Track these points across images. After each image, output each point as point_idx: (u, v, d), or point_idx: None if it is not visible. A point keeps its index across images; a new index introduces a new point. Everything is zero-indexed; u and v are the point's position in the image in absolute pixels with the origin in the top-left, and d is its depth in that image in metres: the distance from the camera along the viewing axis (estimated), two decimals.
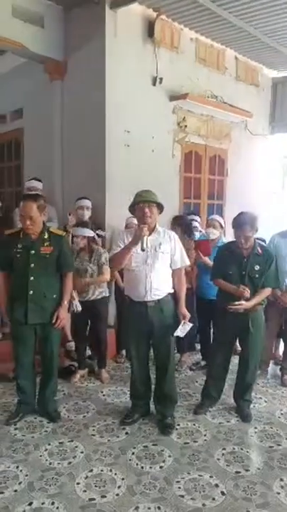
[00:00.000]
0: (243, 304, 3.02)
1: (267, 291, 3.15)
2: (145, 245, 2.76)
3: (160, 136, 4.97)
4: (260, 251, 3.11)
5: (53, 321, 3.01)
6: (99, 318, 3.82)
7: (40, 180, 4.47)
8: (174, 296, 3.06)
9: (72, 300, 3.55)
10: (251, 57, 5.90)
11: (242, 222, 3.04)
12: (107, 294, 3.91)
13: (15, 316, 3.00)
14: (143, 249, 2.78)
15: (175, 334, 2.99)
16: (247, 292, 3.02)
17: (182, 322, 3.00)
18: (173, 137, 5.15)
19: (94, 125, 4.47)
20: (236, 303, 3.03)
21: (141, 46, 4.66)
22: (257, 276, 3.08)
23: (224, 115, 5.63)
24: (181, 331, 3.00)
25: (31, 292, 2.92)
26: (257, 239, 4.25)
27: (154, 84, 4.80)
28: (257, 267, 3.08)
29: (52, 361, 3.14)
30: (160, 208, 2.94)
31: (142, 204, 2.87)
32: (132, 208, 2.97)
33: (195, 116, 5.36)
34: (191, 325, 3.04)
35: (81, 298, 3.70)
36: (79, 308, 3.65)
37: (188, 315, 3.03)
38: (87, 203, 4.27)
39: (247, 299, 3.04)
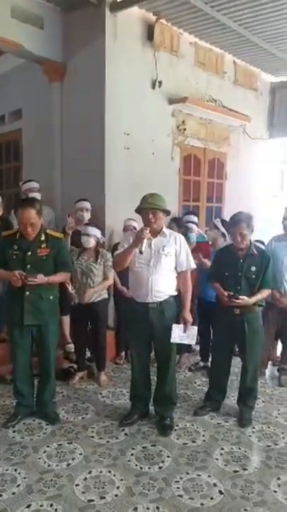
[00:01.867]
0: (244, 299, 3.03)
1: (266, 292, 3.15)
2: (143, 248, 2.78)
3: (160, 139, 4.99)
4: (256, 252, 3.13)
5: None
6: (99, 321, 3.82)
7: (36, 182, 4.45)
8: (180, 299, 3.06)
9: (72, 291, 3.60)
10: (249, 61, 5.95)
11: (238, 220, 3.08)
12: (107, 296, 3.92)
13: (11, 318, 3.00)
14: (140, 252, 2.80)
15: (173, 341, 2.93)
16: (236, 302, 3.04)
17: (180, 326, 2.95)
18: (173, 140, 5.18)
19: (94, 127, 4.49)
20: (238, 299, 3.03)
21: (141, 49, 4.69)
22: (254, 277, 3.10)
23: (223, 119, 5.67)
24: (181, 336, 2.94)
25: (27, 293, 2.92)
26: (256, 241, 4.29)
27: (153, 87, 4.83)
28: (253, 268, 3.10)
29: (49, 363, 3.13)
30: (166, 212, 2.96)
31: (146, 210, 2.89)
32: (139, 212, 2.99)
33: (194, 120, 5.39)
34: (195, 328, 3.01)
35: (81, 300, 3.70)
36: (77, 301, 3.67)
37: (190, 320, 2.99)
38: (87, 204, 4.29)
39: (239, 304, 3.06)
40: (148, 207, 2.89)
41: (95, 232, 3.76)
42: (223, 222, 4.06)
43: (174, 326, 2.94)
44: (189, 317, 2.99)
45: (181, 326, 2.96)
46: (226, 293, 3.08)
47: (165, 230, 3.00)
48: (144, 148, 4.78)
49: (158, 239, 2.95)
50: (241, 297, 3.03)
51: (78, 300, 3.67)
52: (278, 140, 6.72)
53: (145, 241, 2.77)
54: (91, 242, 3.72)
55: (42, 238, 2.98)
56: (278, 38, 5.00)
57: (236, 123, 5.91)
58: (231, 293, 3.06)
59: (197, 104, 5.17)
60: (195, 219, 4.76)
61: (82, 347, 3.94)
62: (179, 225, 4.52)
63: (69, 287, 3.60)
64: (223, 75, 5.74)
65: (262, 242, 4.13)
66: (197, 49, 5.31)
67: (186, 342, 3.01)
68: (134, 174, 4.62)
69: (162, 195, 2.99)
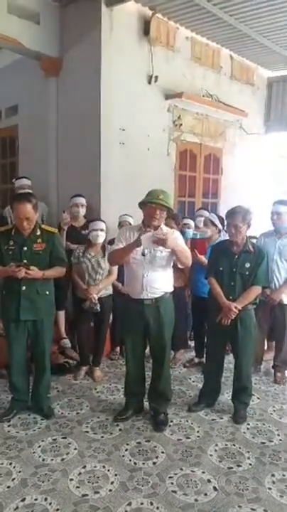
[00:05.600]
0: (232, 312, 3.03)
1: (255, 290, 3.10)
2: (146, 251, 2.79)
3: (156, 135, 4.97)
4: (251, 249, 3.13)
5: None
6: (104, 316, 3.82)
7: (28, 179, 4.44)
8: (175, 295, 3.05)
9: (92, 299, 3.61)
10: (246, 56, 5.92)
11: (234, 212, 3.07)
12: (111, 292, 3.90)
13: (7, 313, 3.01)
14: (143, 254, 2.81)
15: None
16: (234, 312, 3.03)
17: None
18: (168, 135, 5.16)
19: (89, 123, 4.47)
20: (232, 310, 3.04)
21: (137, 44, 4.66)
22: (247, 273, 3.08)
23: (219, 114, 5.66)
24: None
25: (24, 288, 2.92)
26: (250, 237, 4.27)
27: (149, 82, 4.81)
28: (247, 265, 3.08)
29: (44, 358, 3.14)
30: (170, 212, 2.95)
31: (155, 205, 2.82)
32: (143, 205, 2.90)
33: (190, 115, 5.38)
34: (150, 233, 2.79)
35: (89, 294, 3.66)
36: (99, 309, 3.67)
37: (162, 235, 2.74)
38: (82, 200, 4.27)
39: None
40: (159, 203, 2.81)
41: (104, 226, 3.76)
42: (219, 218, 4.05)
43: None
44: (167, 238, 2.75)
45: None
46: (227, 302, 3.06)
47: (162, 226, 2.97)
48: (140, 143, 4.76)
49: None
50: (234, 305, 3.03)
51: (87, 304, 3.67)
52: (275, 135, 6.71)
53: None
54: (102, 237, 3.73)
55: (38, 233, 2.98)
56: (275, 32, 4.98)
57: (233, 118, 5.90)
58: (234, 306, 3.03)
59: (193, 99, 5.15)
60: (206, 213, 4.71)
61: (85, 342, 3.93)
62: (177, 223, 4.47)
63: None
64: (219, 70, 5.72)
65: (255, 238, 4.11)
66: (194, 44, 5.28)
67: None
68: (129, 170, 4.61)
69: (169, 194, 2.95)
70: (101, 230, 3.73)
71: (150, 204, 2.84)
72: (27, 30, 4.42)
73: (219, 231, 3.98)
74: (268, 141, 6.72)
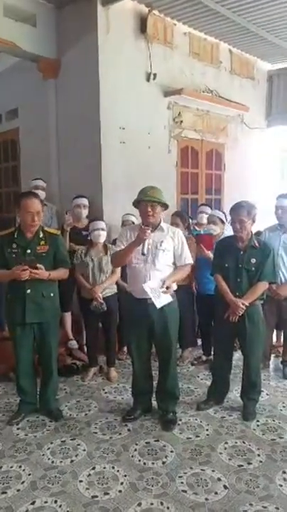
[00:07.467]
0: (239, 308, 2.99)
1: (262, 286, 3.06)
2: (145, 250, 2.78)
3: (156, 132, 4.95)
4: (257, 244, 3.09)
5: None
6: (111, 316, 3.82)
7: (44, 181, 4.54)
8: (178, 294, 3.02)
9: (98, 298, 3.61)
10: (245, 50, 5.87)
11: (239, 206, 3.04)
12: (116, 291, 3.90)
13: (13, 316, 3.01)
14: (143, 254, 2.79)
15: (159, 305, 2.81)
16: (241, 309, 2.99)
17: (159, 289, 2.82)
18: (169, 133, 5.13)
19: (89, 123, 4.46)
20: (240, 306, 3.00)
21: (134, 42, 4.64)
22: (253, 269, 3.04)
23: (220, 109, 5.62)
24: (154, 297, 2.81)
25: (29, 291, 2.92)
26: (256, 233, 4.22)
27: (148, 80, 4.79)
28: (253, 260, 3.04)
29: (51, 360, 3.14)
30: (165, 206, 2.93)
31: (145, 203, 2.84)
32: (136, 204, 2.94)
33: (191, 111, 5.34)
34: (170, 300, 2.88)
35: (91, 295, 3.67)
36: (105, 308, 3.66)
37: (172, 287, 2.88)
38: (84, 201, 4.26)
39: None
40: (147, 199, 2.84)
41: (104, 225, 3.78)
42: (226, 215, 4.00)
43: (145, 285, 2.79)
44: (171, 284, 2.88)
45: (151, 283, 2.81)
46: (234, 299, 3.02)
47: (162, 224, 2.96)
48: (140, 142, 4.75)
49: (156, 234, 2.90)
50: (241, 302, 2.99)
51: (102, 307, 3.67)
52: (277, 129, 6.64)
53: (147, 242, 2.76)
54: (103, 236, 3.75)
55: (41, 235, 2.98)
56: (273, 24, 4.94)
57: (234, 113, 5.86)
58: (241, 302, 2.99)
59: (193, 95, 5.12)
60: (209, 210, 4.68)
61: (94, 342, 3.93)
62: (183, 219, 4.42)
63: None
64: (219, 65, 5.68)
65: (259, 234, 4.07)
66: (192, 39, 5.24)
67: (166, 299, 2.87)
68: (131, 169, 4.60)
69: (160, 190, 2.94)
70: (102, 229, 3.74)
71: (141, 202, 2.87)
72: (23, 32, 4.42)
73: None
74: (271, 136, 6.66)
